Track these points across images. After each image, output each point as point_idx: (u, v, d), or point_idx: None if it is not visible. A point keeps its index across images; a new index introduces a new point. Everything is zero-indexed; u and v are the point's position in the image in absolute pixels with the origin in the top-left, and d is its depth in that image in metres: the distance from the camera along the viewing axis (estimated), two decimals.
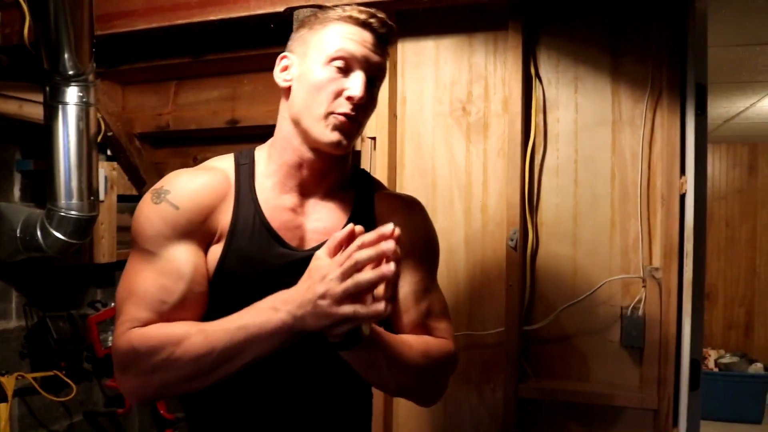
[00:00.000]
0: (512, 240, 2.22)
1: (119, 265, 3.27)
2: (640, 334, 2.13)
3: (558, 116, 2.27)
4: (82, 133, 2.54)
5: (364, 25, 1.21)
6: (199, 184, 1.22)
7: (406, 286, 1.30)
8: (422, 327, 1.32)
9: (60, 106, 2.50)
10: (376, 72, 1.23)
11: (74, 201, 2.56)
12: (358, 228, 1.08)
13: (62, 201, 2.55)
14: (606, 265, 2.21)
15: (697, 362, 2.10)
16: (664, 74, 2.13)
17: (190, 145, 3.13)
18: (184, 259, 1.17)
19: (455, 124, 2.33)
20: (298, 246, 1.24)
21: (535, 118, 2.26)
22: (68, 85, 2.48)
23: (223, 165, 1.28)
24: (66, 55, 2.35)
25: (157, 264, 1.17)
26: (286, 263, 1.21)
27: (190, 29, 2.41)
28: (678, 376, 2.10)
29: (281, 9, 2.19)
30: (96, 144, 2.64)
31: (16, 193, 2.99)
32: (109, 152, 3.14)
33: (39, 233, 2.63)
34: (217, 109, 2.90)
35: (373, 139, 2.36)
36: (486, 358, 2.30)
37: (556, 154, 2.27)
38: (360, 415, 1.43)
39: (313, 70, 1.21)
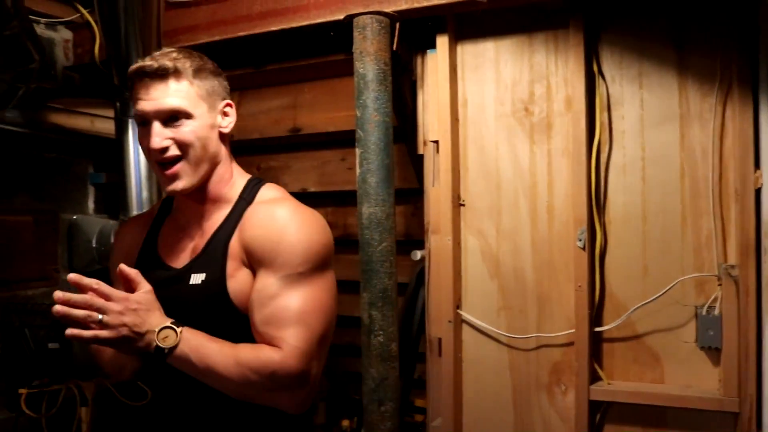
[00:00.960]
0: (580, 240, 2.19)
1: None
2: (718, 334, 2.07)
3: (623, 113, 2.22)
4: None
5: (140, 75, 1.33)
6: (125, 232, 1.59)
7: (252, 293, 1.34)
8: (261, 334, 1.31)
9: (130, 120, 2.59)
10: (167, 113, 1.32)
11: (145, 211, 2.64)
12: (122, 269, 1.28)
13: (134, 211, 2.64)
14: (678, 263, 2.15)
15: None
16: (734, 65, 2.06)
17: (254, 154, 3.19)
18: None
19: (518, 125, 2.31)
20: (171, 263, 1.44)
21: (600, 116, 2.22)
22: None
23: (155, 206, 1.58)
24: None
25: None
26: (161, 281, 1.36)
27: (252, 40, 2.47)
28: (760, 378, 2.03)
29: (341, 17, 2.22)
30: None
31: (90, 205, 3.10)
32: None
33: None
34: (279, 118, 2.95)
35: (436, 142, 2.36)
36: (556, 360, 2.27)
37: (622, 152, 2.22)
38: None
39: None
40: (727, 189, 2.10)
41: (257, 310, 1.32)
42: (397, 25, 2.21)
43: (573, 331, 2.21)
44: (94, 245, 2.84)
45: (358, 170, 2.15)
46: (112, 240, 1.47)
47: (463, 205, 2.37)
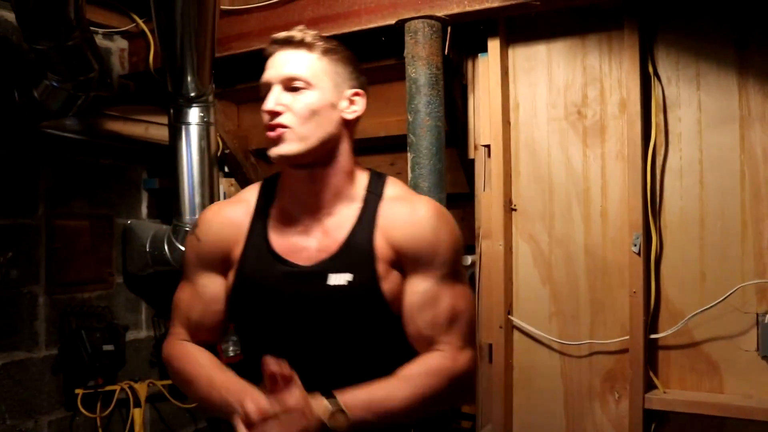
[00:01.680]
0: (635, 245, 2.14)
1: None
2: None
3: (680, 115, 2.18)
4: (204, 151, 2.67)
5: (273, 46, 1.30)
6: (220, 220, 1.38)
7: (410, 296, 1.29)
8: (425, 339, 1.30)
9: (183, 127, 2.65)
10: (286, 79, 1.27)
11: (198, 216, 2.68)
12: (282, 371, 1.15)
13: (187, 216, 2.69)
14: (738, 269, 2.09)
15: None
16: None
17: None
18: (203, 285, 1.37)
19: (570, 129, 2.29)
20: (303, 263, 1.31)
21: (655, 118, 2.18)
22: (190, 107, 2.62)
23: (249, 195, 1.41)
24: (189, 78, 2.48)
25: (187, 286, 1.40)
26: (285, 279, 1.30)
27: None
28: None
29: (392, 22, 2.23)
30: (216, 161, 2.77)
31: (144, 210, 3.17)
32: (226, 169, 3.27)
33: (166, 248, 2.78)
34: None
35: (487, 146, 2.35)
36: (610, 368, 2.23)
37: (678, 155, 2.17)
38: None
39: None
40: None
41: (418, 314, 1.30)
42: (449, 29, 2.21)
43: (627, 337, 2.17)
44: (147, 249, 2.90)
45: (409, 174, 2.15)
46: (194, 229, 1.40)
47: (515, 209, 2.35)
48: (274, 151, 1.27)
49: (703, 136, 2.15)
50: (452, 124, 2.52)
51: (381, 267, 1.28)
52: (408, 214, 1.31)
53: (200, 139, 2.66)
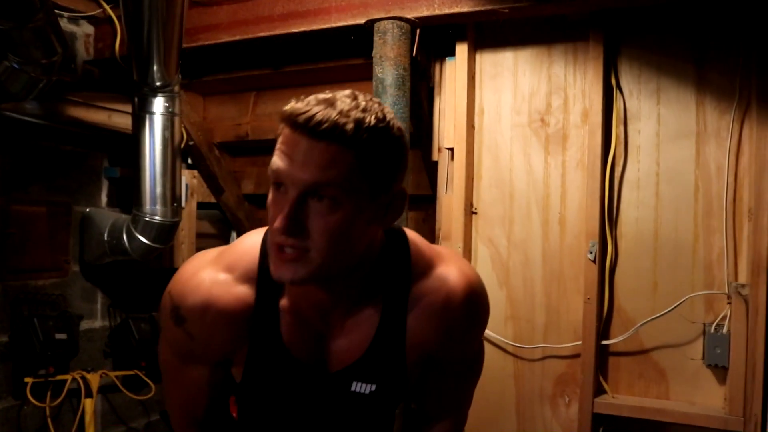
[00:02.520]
0: (591, 252, 2.19)
1: None
2: (725, 353, 2.06)
3: (639, 128, 2.23)
4: (167, 141, 2.65)
5: (295, 126, 0.92)
6: (214, 317, 1.09)
7: (434, 386, 1.23)
8: (437, 411, 1.29)
9: (147, 116, 2.62)
10: (309, 185, 0.93)
11: (158, 207, 2.66)
12: None
13: (147, 207, 2.66)
14: (688, 280, 2.15)
15: None
16: (753, 84, 2.07)
17: (268, 155, 3.18)
18: (200, 376, 1.18)
19: (533, 135, 2.32)
20: (323, 365, 1.13)
21: (616, 130, 2.23)
22: (155, 96, 2.59)
23: (245, 275, 1.10)
24: (155, 67, 2.46)
25: (184, 373, 1.19)
26: (301, 384, 1.14)
27: (272, 41, 2.48)
28: (766, 398, 2.02)
29: (362, 21, 2.24)
30: (180, 152, 2.75)
31: (104, 199, 3.13)
32: (189, 161, 3.25)
33: (125, 237, 2.75)
34: None
35: (451, 149, 2.37)
36: (561, 372, 2.27)
37: (636, 167, 2.23)
38: None
39: None
40: (741, 208, 2.10)
41: (434, 397, 1.25)
42: (418, 31, 2.23)
43: (580, 343, 2.22)
44: (105, 238, 2.86)
45: None
46: (182, 322, 1.12)
47: (476, 213, 2.38)
48: (284, 275, 0.98)
49: (661, 150, 2.20)
50: (417, 126, 2.54)
51: (411, 374, 1.15)
52: (443, 314, 1.11)
53: (164, 129, 2.63)
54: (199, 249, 3.25)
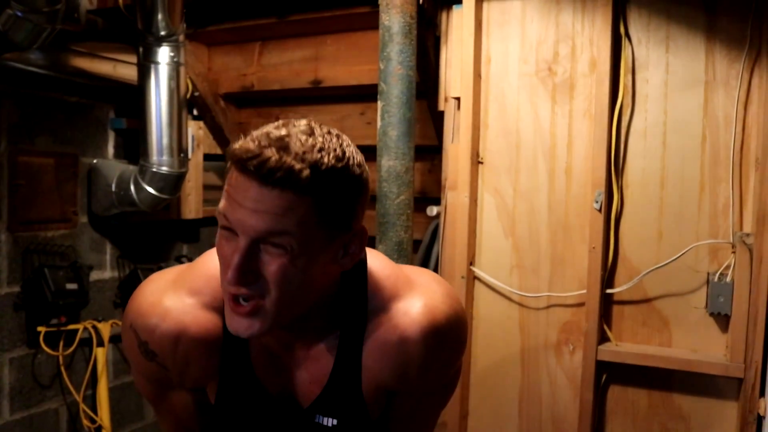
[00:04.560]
0: (597, 202, 2.19)
1: (205, 222, 3.41)
2: (728, 301, 2.08)
3: (647, 77, 2.21)
4: (173, 92, 2.64)
5: (245, 171, 0.86)
6: (185, 349, 1.04)
7: (398, 418, 1.16)
8: None
9: (152, 66, 2.61)
10: (262, 234, 0.88)
11: (165, 157, 2.68)
12: None
13: (154, 157, 2.67)
14: (693, 229, 2.16)
15: None
16: (764, 32, 2.04)
17: (274, 106, 3.20)
18: (183, 401, 1.16)
19: (540, 85, 2.30)
20: (289, 396, 1.11)
21: (624, 79, 2.21)
22: (160, 45, 2.58)
23: (210, 302, 1.05)
24: (159, 16, 2.44)
25: (165, 400, 1.16)
26: (276, 417, 1.12)
27: None
28: (767, 346, 2.05)
29: None
30: (185, 103, 2.75)
31: (110, 150, 3.13)
32: (195, 112, 3.24)
33: (132, 188, 2.77)
34: (300, 70, 2.95)
35: (457, 99, 2.35)
36: (566, 320, 2.30)
37: (644, 116, 2.21)
38: None
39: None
40: (748, 158, 2.09)
41: (397, 425, 1.17)
42: None
43: (584, 291, 2.24)
44: (113, 189, 2.89)
45: (379, 123, 2.16)
46: (153, 356, 1.07)
47: (482, 162, 2.38)
48: (240, 330, 0.94)
49: (669, 99, 2.18)
50: (424, 75, 2.52)
51: (371, 409, 1.10)
52: (396, 353, 1.04)
53: (169, 79, 2.63)
54: (206, 200, 3.27)
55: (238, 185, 0.87)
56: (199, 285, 1.05)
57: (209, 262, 1.06)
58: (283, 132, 0.87)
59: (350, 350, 1.06)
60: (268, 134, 0.87)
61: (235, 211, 0.87)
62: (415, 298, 1.06)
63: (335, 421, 1.09)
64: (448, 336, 1.07)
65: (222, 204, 0.90)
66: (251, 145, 0.85)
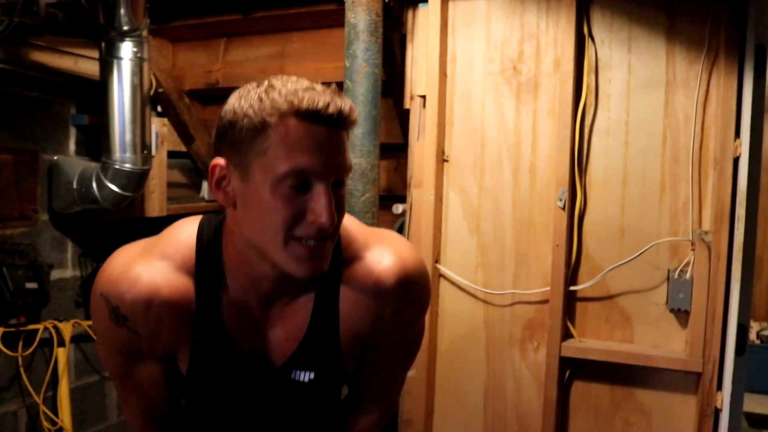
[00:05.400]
0: (560, 200, 2.22)
1: (169, 220, 3.32)
2: (687, 297, 2.13)
3: (610, 77, 2.24)
4: (136, 88, 2.60)
5: (317, 118, 0.93)
6: (158, 311, 1.04)
7: (369, 366, 1.21)
8: (370, 394, 1.28)
9: (115, 61, 2.56)
10: (341, 173, 0.98)
11: (128, 154, 2.63)
12: None
13: (117, 154, 2.63)
14: (654, 227, 2.20)
15: (744, 327, 2.09)
16: (722, 34, 2.09)
17: None
18: (151, 372, 1.13)
19: (505, 84, 2.32)
20: (264, 355, 1.13)
21: (587, 78, 2.24)
22: (123, 41, 2.54)
23: (183, 264, 1.07)
24: (122, 11, 2.41)
25: (133, 374, 1.14)
26: (252, 377, 1.13)
27: None
28: (724, 341, 2.10)
29: None
30: (149, 99, 2.70)
31: (72, 147, 3.07)
32: (159, 108, 3.19)
33: (95, 185, 2.71)
34: (266, 67, 2.92)
35: (423, 97, 2.36)
36: (530, 317, 2.33)
37: (607, 115, 2.25)
38: None
39: (260, 191, 0.96)
40: (707, 157, 2.14)
41: (373, 379, 1.24)
42: None
43: (548, 289, 2.26)
44: (75, 186, 2.83)
45: None
46: (124, 320, 1.06)
47: (447, 161, 2.39)
48: (318, 270, 1.00)
49: (631, 99, 2.22)
50: (390, 74, 2.52)
51: (347, 361, 1.15)
52: (373, 298, 1.11)
53: (132, 75, 2.58)
54: (170, 198, 3.23)
55: (307, 136, 0.93)
56: (170, 251, 1.06)
57: (178, 229, 1.09)
58: (308, 83, 0.96)
59: (327, 299, 1.10)
60: (303, 88, 0.94)
61: (315, 160, 0.93)
62: (386, 249, 1.12)
63: (312, 375, 1.12)
64: (417, 285, 1.14)
65: (295, 160, 0.93)
66: (313, 95, 0.92)
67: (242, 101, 0.96)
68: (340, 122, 0.94)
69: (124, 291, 1.03)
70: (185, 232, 1.08)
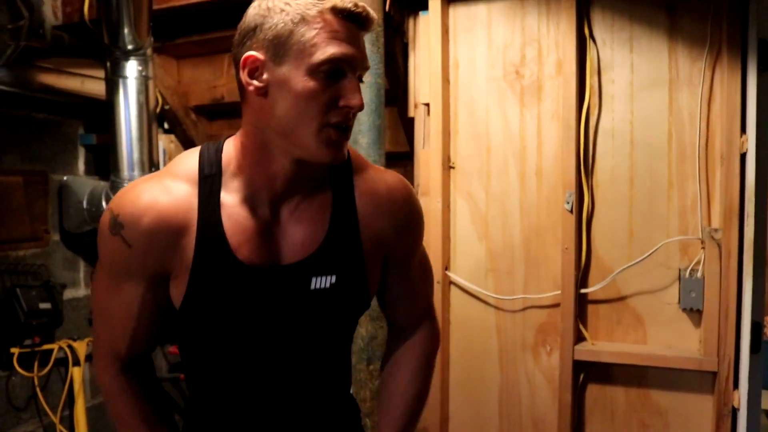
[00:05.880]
0: (568, 203, 2.21)
1: None
2: (699, 296, 2.11)
3: (613, 77, 2.24)
4: (142, 106, 2.62)
5: (350, 16, 1.04)
6: (153, 220, 1.07)
7: (397, 287, 1.28)
8: (409, 318, 1.34)
9: (120, 80, 2.59)
10: (364, 69, 1.09)
11: (136, 172, 2.65)
12: None
13: (125, 172, 2.65)
14: (663, 226, 2.19)
15: (758, 325, 2.07)
16: (724, 30, 2.08)
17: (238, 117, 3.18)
18: (134, 296, 1.12)
19: (509, 88, 2.32)
20: (273, 263, 1.12)
21: (590, 80, 2.23)
22: (128, 60, 2.56)
23: (185, 179, 1.10)
24: (126, 30, 2.42)
25: (116, 295, 1.14)
26: (264, 289, 1.12)
27: (244, 1, 2.44)
28: (738, 339, 2.08)
29: None
30: (155, 117, 2.72)
31: (81, 166, 3.10)
32: (166, 125, 3.22)
33: (104, 205, 2.73)
34: None
35: (427, 105, 2.37)
36: (542, 321, 2.31)
37: (611, 116, 2.24)
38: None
39: (296, 77, 1.03)
40: (713, 154, 2.13)
41: (409, 304, 1.32)
42: None
43: (559, 292, 2.25)
44: (84, 206, 2.86)
45: None
46: (119, 228, 1.08)
47: (453, 167, 2.39)
48: (335, 152, 1.07)
49: (635, 98, 2.21)
50: (393, 83, 2.53)
51: (369, 264, 1.18)
52: (388, 200, 1.20)
53: (138, 93, 2.61)
54: None
55: (343, 29, 1.04)
56: (173, 169, 1.13)
57: (182, 155, 1.17)
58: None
59: (345, 202, 1.17)
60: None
61: (352, 50, 1.04)
62: (386, 170, 1.27)
63: (333, 279, 1.14)
64: (416, 201, 1.26)
65: (328, 53, 1.02)
66: (351, 3, 1.04)
67: (271, 4, 1.04)
68: (366, 23, 1.06)
69: (126, 202, 1.09)
70: (188, 154, 1.15)
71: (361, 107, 1.05)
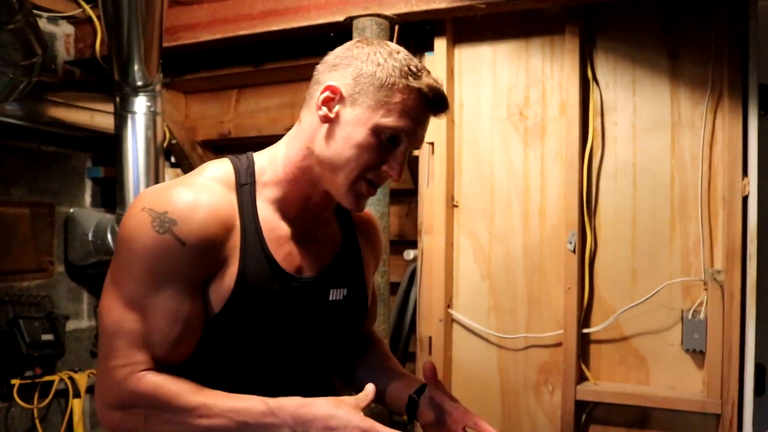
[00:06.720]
0: (570, 243, 2.23)
1: None
2: (702, 338, 2.11)
3: (616, 119, 2.27)
4: (150, 140, 2.66)
5: (431, 105, 1.14)
6: (206, 215, 1.05)
7: (371, 295, 1.40)
8: (368, 332, 1.48)
9: (129, 115, 2.63)
10: (417, 147, 1.20)
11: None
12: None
13: None
14: (666, 267, 2.20)
15: (762, 367, 2.07)
16: (725, 75, 2.11)
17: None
18: (182, 301, 1.05)
19: (513, 129, 2.35)
20: (296, 273, 1.18)
21: (593, 122, 2.26)
22: (137, 95, 2.60)
23: (222, 183, 1.13)
24: (136, 67, 2.47)
25: (153, 302, 1.04)
26: (287, 292, 1.16)
27: (252, 39, 2.50)
28: (742, 381, 2.07)
29: (341, 19, 2.26)
30: (162, 151, 2.76)
31: (87, 199, 3.13)
32: (173, 159, 3.25)
33: (110, 237, 2.76)
34: (277, 117, 2.98)
35: (431, 144, 2.40)
36: (544, 361, 2.31)
37: (614, 157, 2.27)
38: None
39: (361, 127, 1.11)
40: (715, 196, 2.14)
41: (373, 308, 1.48)
42: (396, 27, 2.26)
43: (561, 332, 2.25)
44: (90, 238, 2.87)
45: None
46: (171, 225, 1.01)
47: (457, 206, 2.41)
48: (360, 205, 1.18)
49: (637, 140, 2.24)
50: None
51: (367, 279, 1.34)
52: (371, 226, 1.40)
53: (146, 128, 2.64)
54: None
55: (417, 107, 1.12)
56: (209, 173, 1.14)
57: (212, 162, 1.18)
58: (434, 76, 1.16)
59: (349, 227, 1.32)
60: (429, 73, 1.14)
61: (413, 126, 1.12)
62: None
63: (345, 291, 1.26)
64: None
65: (399, 121, 1.10)
66: (435, 85, 1.13)
67: (373, 53, 1.12)
68: (439, 113, 1.15)
69: (172, 198, 1.05)
70: (217, 162, 1.18)
71: (397, 179, 1.15)
